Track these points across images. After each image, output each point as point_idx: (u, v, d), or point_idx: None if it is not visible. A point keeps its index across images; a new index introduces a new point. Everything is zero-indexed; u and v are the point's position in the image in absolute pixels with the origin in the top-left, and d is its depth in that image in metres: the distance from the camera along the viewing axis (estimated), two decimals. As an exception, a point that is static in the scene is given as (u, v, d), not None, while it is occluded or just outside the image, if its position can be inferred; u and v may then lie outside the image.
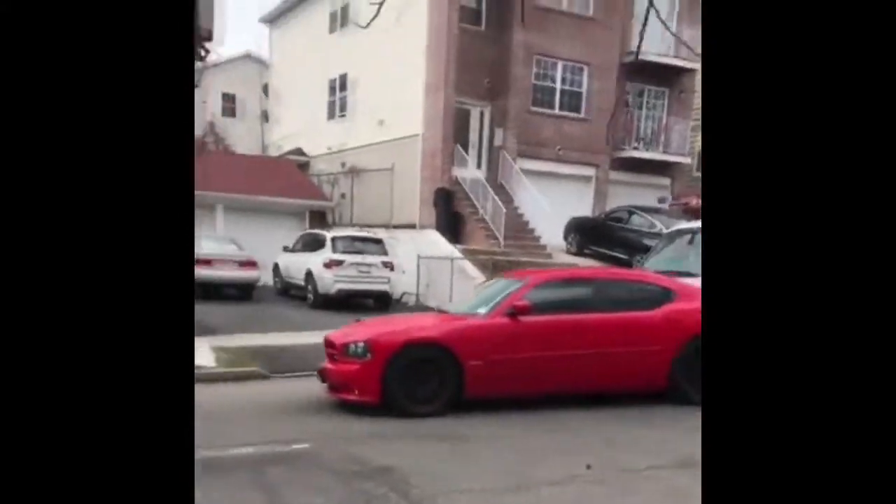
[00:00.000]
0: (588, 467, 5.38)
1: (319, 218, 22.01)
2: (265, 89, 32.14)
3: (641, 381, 7.92)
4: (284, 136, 27.98)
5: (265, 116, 32.01)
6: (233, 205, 20.64)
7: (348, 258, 16.39)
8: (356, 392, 7.31)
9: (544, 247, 20.12)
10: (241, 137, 31.12)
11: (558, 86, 22.36)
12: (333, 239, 16.85)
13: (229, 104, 39.61)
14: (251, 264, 17.17)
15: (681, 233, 12.49)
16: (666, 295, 8.27)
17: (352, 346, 7.42)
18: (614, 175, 23.28)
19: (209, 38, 10.61)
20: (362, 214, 22.35)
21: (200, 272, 15.31)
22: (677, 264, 11.26)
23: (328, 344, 7.91)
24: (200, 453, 4.93)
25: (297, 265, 17.57)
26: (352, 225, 21.73)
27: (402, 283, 17.45)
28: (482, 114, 22.15)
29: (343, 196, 23.59)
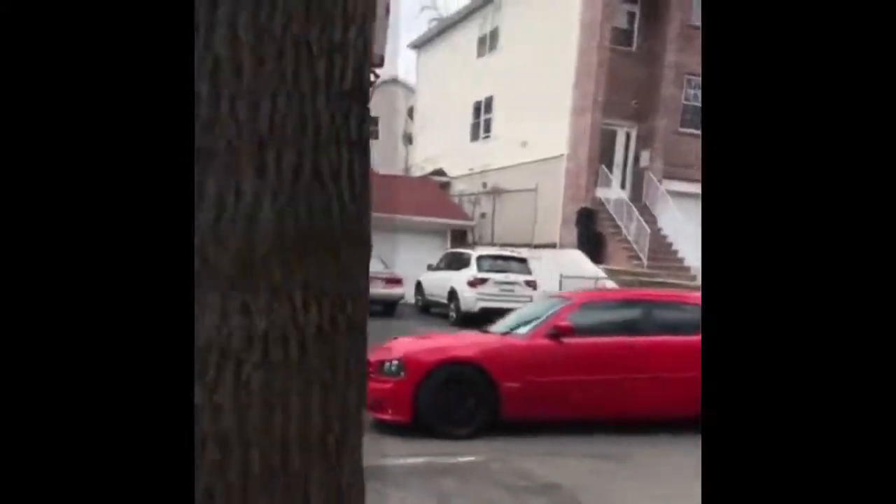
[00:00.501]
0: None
1: (461, 237, 22.27)
2: (410, 112, 33.01)
3: (689, 408, 7.29)
4: (427, 158, 28.58)
5: (409, 139, 32.84)
6: (378, 223, 21.22)
7: (492, 276, 16.47)
8: (389, 411, 7.10)
9: (688, 269, 19.49)
10: (385, 159, 32.04)
11: (708, 106, 21.73)
12: (479, 258, 16.99)
13: (373, 127, 41.18)
14: (396, 281, 17.55)
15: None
16: None
17: (386, 364, 7.23)
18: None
19: (380, 64, 11.08)
20: (503, 234, 22.44)
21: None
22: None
23: None
24: (373, 461, 5.08)
25: (441, 283, 17.81)
26: (492, 244, 21.86)
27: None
28: (628, 134, 21.83)
29: (483, 215, 23.79)
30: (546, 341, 7.37)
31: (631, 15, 21.59)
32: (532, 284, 16.74)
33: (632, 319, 7.84)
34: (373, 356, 7.39)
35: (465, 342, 7.93)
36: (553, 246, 20.39)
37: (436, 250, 20.81)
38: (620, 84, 20.71)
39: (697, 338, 7.18)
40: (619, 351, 7.52)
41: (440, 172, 27.58)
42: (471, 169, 25.56)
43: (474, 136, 26.22)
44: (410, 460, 6.07)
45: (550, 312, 7.80)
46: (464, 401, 7.03)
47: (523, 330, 7.74)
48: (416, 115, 31.31)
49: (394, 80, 37.54)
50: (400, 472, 5.68)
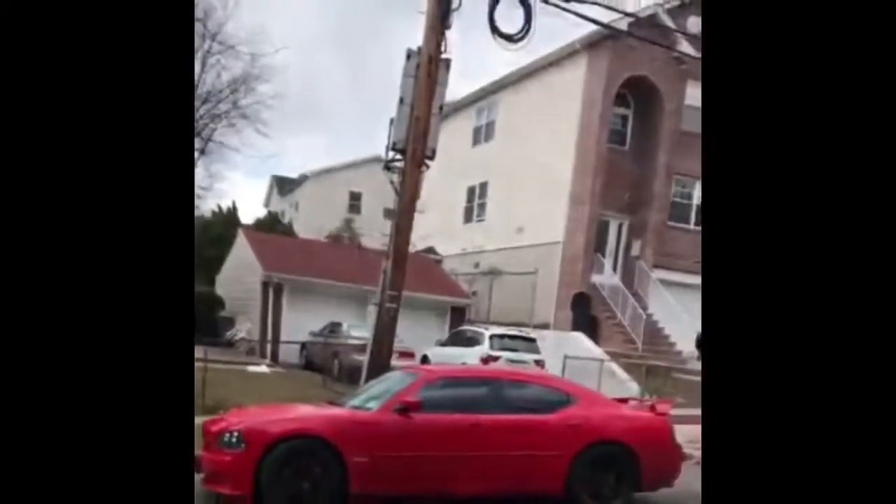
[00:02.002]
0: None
1: (459, 314, 23.16)
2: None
3: (538, 486, 7.55)
4: (419, 237, 29.65)
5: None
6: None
7: (503, 354, 17.35)
8: (228, 485, 6.75)
9: (679, 352, 20.69)
10: (370, 235, 33.02)
11: (694, 202, 23.38)
12: (491, 336, 17.88)
13: (355, 202, 42.29)
14: (409, 355, 18.31)
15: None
16: (566, 399, 8.04)
17: (226, 435, 6.84)
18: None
19: (432, 157, 12.25)
20: (499, 313, 23.41)
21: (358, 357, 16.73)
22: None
23: (204, 431, 7.21)
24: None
25: (450, 358, 18.61)
26: (488, 322, 22.79)
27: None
28: (620, 225, 23.29)
29: (475, 293, 24.79)
30: (395, 416, 7.25)
31: (623, 118, 23.35)
32: (540, 363, 17.63)
33: (479, 397, 7.79)
34: (213, 426, 7.21)
35: (311, 414, 7.67)
36: (547, 327, 21.41)
37: (434, 326, 21.66)
38: (614, 179, 22.28)
39: (540, 416, 7.70)
40: (466, 428, 7.44)
41: (431, 251, 28.63)
42: (463, 249, 26.72)
43: (467, 218, 27.52)
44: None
45: (399, 387, 7.75)
46: (307, 475, 6.76)
47: (372, 404, 7.61)
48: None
49: (377, 159, 38.91)
50: None
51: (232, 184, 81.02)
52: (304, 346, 20.70)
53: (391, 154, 13.51)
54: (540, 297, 22.36)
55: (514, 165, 24.45)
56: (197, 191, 30.27)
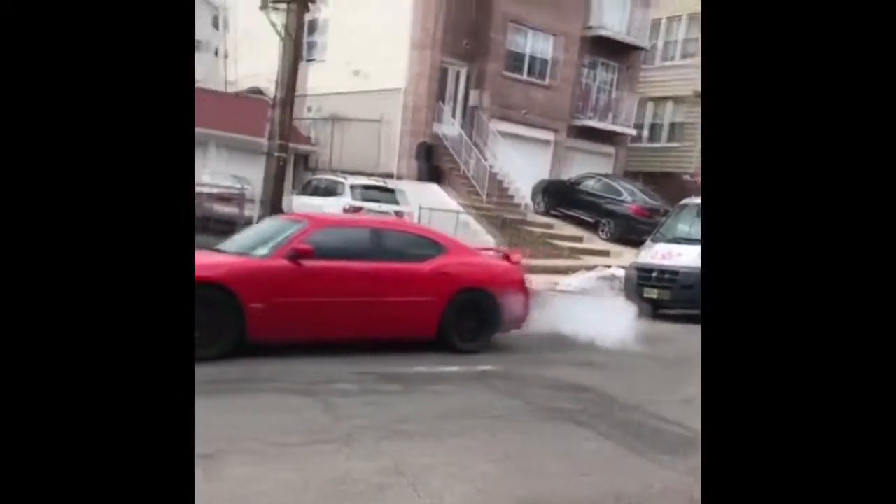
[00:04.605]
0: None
1: (302, 162, 22.63)
2: (215, 23, 31.62)
3: (415, 330, 8.16)
4: (247, 76, 27.95)
5: (223, 54, 31.52)
6: (226, 143, 21.07)
7: (366, 205, 17.43)
8: None
9: (519, 204, 21.87)
10: (203, 74, 30.60)
11: (527, 52, 23.91)
12: (352, 186, 17.80)
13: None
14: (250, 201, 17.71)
15: (689, 206, 14.55)
16: (437, 249, 8.55)
17: None
18: (570, 142, 25.27)
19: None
20: (342, 162, 23.13)
21: (222, 209, 16.12)
22: (685, 232, 13.54)
23: None
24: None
25: (311, 208, 18.37)
26: (332, 171, 22.51)
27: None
28: (458, 73, 23.38)
29: (316, 141, 24.21)
30: (287, 263, 7.45)
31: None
32: (400, 214, 17.96)
33: (363, 245, 8.10)
34: None
35: (211, 261, 7.54)
36: (391, 177, 21.58)
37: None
38: (453, 25, 22.13)
39: (416, 265, 8.20)
40: (353, 275, 7.82)
41: (257, 91, 27.17)
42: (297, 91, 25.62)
43: (302, 57, 26.18)
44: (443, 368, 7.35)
45: (288, 234, 7.89)
46: (209, 323, 6.73)
47: (262, 251, 7.74)
48: (231, 30, 30.14)
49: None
50: (452, 377, 7.03)
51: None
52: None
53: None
54: (382, 146, 22.30)
55: (354, 2, 23.36)
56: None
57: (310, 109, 24.77)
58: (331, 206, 17.63)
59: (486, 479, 4.32)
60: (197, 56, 32.91)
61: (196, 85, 26.86)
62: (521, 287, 8.83)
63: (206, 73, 30.56)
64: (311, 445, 4.66)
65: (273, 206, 12.52)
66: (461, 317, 8.28)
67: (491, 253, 10.29)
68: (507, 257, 9.40)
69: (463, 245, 9.43)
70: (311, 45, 25.56)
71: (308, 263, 7.51)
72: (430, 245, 8.62)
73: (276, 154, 12.57)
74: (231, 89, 28.40)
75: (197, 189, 17.52)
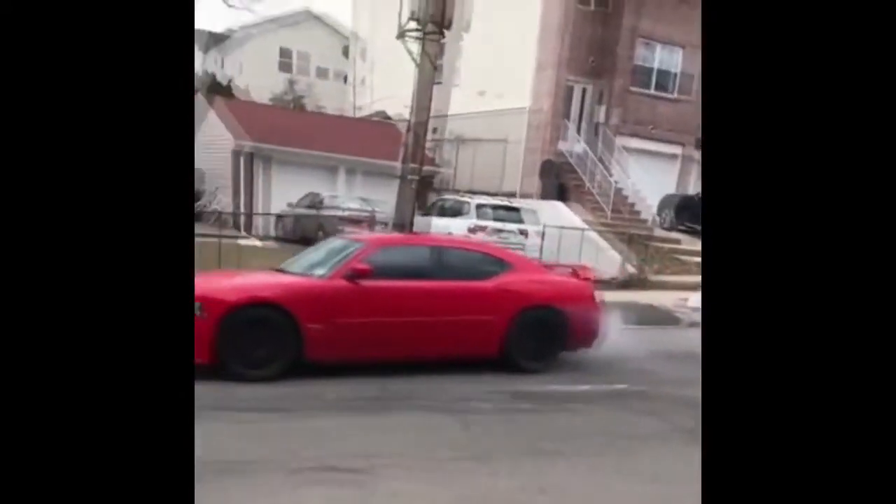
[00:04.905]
0: None
1: (427, 184, 23.06)
2: (345, 52, 32.93)
3: (476, 349, 7.98)
4: (373, 100, 28.87)
5: (344, 79, 32.83)
6: (354, 167, 21.79)
7: (490, 224, 17.59)
8: None
9: (645, 220, 21.45)
10: (328, 98, 31.94)
11: (655, 66, 23.52)
12: (478, 206, 18.02)
13: (286, 59, 40.46)
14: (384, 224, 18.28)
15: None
16: (501, 266, 8.42)
17: None
18: (697, 155, 24.59)
19: (448, 27, 11.76)
20: (465, 182, 23.43)
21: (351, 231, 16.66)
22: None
23: None
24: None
25: (436, 228, 18.71)
26: (455, 191, 22.82)
27: (533, 251, 18.67)
28: (584, 90, 23.25)
29: (437, 163, 24.68)
30: (345, 283, 7.39)
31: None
32: (524, 233, 18.01)
33: (423, 264, 8.01)
34: None
35: (267, 282, 7.73)
36: (513, 195, 21.66)
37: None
38: (579, 42, 22.05)
39: (477, 283, 8.05)
40: (412, 294, 7.71)
41: (382, 115, 27.99)
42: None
43: (423, 81, 26.83)
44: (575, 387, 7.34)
45: (346, 254, 7.87)
46: (266, 342, 6.89)
47: (321, 271, 7.72)
48: (367, 60, 31.31)
49: (308, 13, 37.06)
50: (585, 396, 6.99)
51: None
52: (279, 217, 20.32)
53: (409, 23, 12.91)
54: (507, 165, 22.45)
55: (477, 26, 23.69)
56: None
57: (434, 131, 25.26)
58: (457, 227, 17.89)
59: (639, 500, 4.29)
60: (327, 83, 34.44)
61: (326, 110, 28.04)
62: (591, 304, 8.55)
63: (337, 100, 31.83)
64: (456, 462, 4.76)
65: (405, 227, 12.83)
66: (525, 335, 8.05)
67: (561, 269, 9.94)
68: (576, 274, 9.12)
69: (529, 261, 9.31)
70: (437, 69, 26.12)
71: (366, 283, 7.45)
72: (494, 262, 8.47)
73: (409, 177, 12.89)
74: (358, 114, 29.39)
75: (327, 212, 18.30)
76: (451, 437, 5.40)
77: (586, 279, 8.92)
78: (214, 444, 4.60)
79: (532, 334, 8.09)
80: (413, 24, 12.56)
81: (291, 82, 31.76)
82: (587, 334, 8.43)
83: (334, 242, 8.86)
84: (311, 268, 8.02)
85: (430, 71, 12.62)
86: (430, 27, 12.63)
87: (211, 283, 7.37)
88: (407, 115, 27.32)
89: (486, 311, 7.94)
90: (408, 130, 12.73)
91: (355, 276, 7.42)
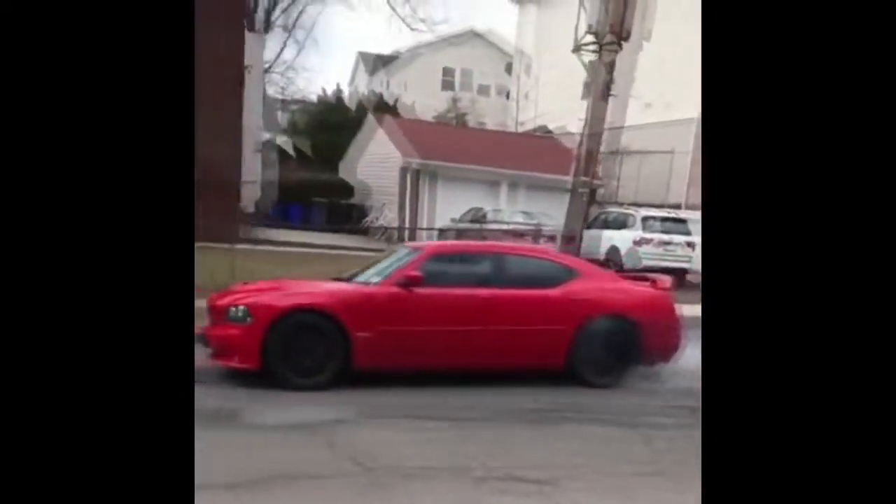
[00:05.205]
0: None
1: (590, 196, 22.87)
2: (508, 69, 33.39)
3: (539, 360, 7.53)
4: (536, 115, 29.07)
5: (507, 95, 33.30)
6: (516, 181, 21.96)
7: (655, 236, 17.19)
8: (236, 358, 6.88)
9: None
10: (490, 113, 32.52)
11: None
12: (643, 218, 17.67)
13: (449, 78, 41.54)
14: (551, 238, 18.29)
15: None
16: (568, 273, 7.96)
17: (232, 309, 6.94)
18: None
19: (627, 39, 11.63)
20: (629, 193, 23.04)
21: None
22: None
23: (211, 305, 7.31)
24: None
25: (598, 240, 18.50)
26: (618, 203, 22.48)
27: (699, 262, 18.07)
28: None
29: (603, 175, 24.42)
30: (397, 290, 7.19)
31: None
32: (691, 245, 17.43)
33: (483, 271, 7.77)
34: (220, 300, 7.24)
35: (316, 289, 7.62)
36: (678, 207, 21.01)
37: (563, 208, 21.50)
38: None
39: (542, 291, 7.61)
40: (469, 302, 7.42)
41: (543, 129, 28.07)
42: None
43: (586, 93, 26.65)
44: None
45: (403, 262, 7.72)
46: (314, 349, 6.83)
47: (376, 279, 7.60)
48: (519, 73, 31.67)
49: (471, 32, 37.80)
50: None
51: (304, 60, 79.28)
52: (441, 232, 20.81)
53: (585, 36, 12.91)
54: (672, 177, 21.87)
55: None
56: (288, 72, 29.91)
57: (604, 144, 25.06)
58: (620, 239, 17.62)
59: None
60: (490, 100, 34.99)
61: (489, 126, 28.51)
62: (670, 315, 7.86)
63: (499, 116, 32.29)
64: (639, 477, 4.70)
65: (575, 240, 12.82)
66: (594, 347, 7.49)
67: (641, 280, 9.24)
68: (654, 283, 8.42)
69: (600, 270, 8.89)
70: (613, 81, 25.92)
71: (419, 291, 7.22)
72: (561, 270, 8.03)
73: (580, 190, 12.88)
74: (520, 129, 29.67)
75: (491, 226, 18.53)
76: (633, 450, 5.32)
77: (664, 289, 8.28)
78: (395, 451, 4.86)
79: (601, 346, 7.53)
80: (589, 38, 12.57)
81: (455, 100, 32.43)
82: (665, 347, 7.78)
83: (400, 251, 8.74)
84: (371, 276, 7.93)
85: (606, 83, 12.56)
86: (608, 37, 12.59)
87: (261, 289, 7.54)
88: (569, 129, 27.41)
89: (549, 321, 7.50)
90: (580, 144, 12.72)
91: (408, 283, 7.23)
